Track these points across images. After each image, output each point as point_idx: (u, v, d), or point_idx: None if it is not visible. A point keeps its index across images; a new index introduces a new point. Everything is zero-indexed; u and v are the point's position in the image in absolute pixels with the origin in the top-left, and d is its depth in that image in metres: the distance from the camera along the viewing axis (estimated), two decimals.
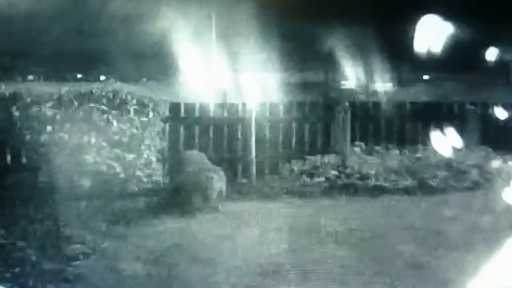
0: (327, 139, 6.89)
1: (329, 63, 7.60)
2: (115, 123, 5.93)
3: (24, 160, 6.06)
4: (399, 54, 7.39)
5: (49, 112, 5.89)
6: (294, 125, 6.86)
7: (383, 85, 7.70)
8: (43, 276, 4.03)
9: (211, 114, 6.64)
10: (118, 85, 6.21)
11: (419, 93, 7.69)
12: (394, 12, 6.95)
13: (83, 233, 4.74)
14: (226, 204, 5.68)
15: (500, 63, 7.67)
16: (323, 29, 7.18)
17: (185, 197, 5.57)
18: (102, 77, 7.29)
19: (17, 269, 4.09)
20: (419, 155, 6.64)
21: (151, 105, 6.24)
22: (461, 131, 6.71)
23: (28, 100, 5.97)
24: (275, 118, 6.79)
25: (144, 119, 6.15)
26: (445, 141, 6.55)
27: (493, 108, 7.16)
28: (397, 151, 6.73)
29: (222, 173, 5.78)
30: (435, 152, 6.54)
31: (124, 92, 6.12)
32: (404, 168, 6.41)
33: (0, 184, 5.71)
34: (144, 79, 7.41)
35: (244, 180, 6.50)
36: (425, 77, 8.82)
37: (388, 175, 6.25)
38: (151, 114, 6.23)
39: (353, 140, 6.82)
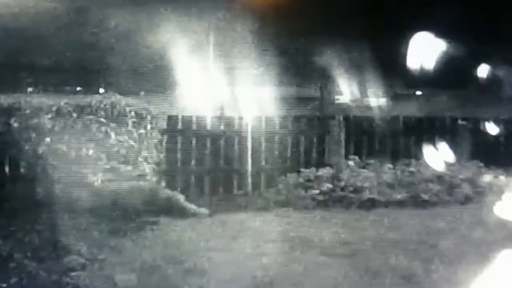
0: (322, 153, 6.97)
1: (324, 78, 7.69)
2: (113, 135, 5.99)
3: (22, 171, 6.09)
4: (392, 70, 7.49)
5: (48, 124, 5.93)
6: (289, 138, 6.94)
7: (377, 100, 7.79)
8: (40, 287, 4.06)
9: (208, 127, 6.70)
10: (116, 98, 6.26)
11: (412, 108, 7.79)
12: (388, 29, 7.07)
13: (80, 244, 4.77)
14: (221, 216, 5.73)
15: (492, 80, 7.79)
16: (319, 45, 7.29)
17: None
18: (101, 90, 7.35)
19: (13, 280, 4.12)
20: (412, 169, 6.71)
21: (149, 117, 6.30)
22: (453, 146, 6.80)
23: (27, 111, 6.00)
24: (271, 132, 6.86)
25: (142, 131, 6.22)
26: (438, 156, 6.64)
27: (484, 123, 7.27)
28: (390, 165, 6.80)
29: None
30: (427, 166, 6.61)
31: (123, 105, 6.19)
32: (397, 182, 6.48)
33: None
34: (143, 92, 7.48)
35: (239, 192, 6.56)
36: (418, 92, 8.92)
37: (381, 189, 6.32)
38: (149, 127, 6.29)
39: (347, 153, 6.89)
